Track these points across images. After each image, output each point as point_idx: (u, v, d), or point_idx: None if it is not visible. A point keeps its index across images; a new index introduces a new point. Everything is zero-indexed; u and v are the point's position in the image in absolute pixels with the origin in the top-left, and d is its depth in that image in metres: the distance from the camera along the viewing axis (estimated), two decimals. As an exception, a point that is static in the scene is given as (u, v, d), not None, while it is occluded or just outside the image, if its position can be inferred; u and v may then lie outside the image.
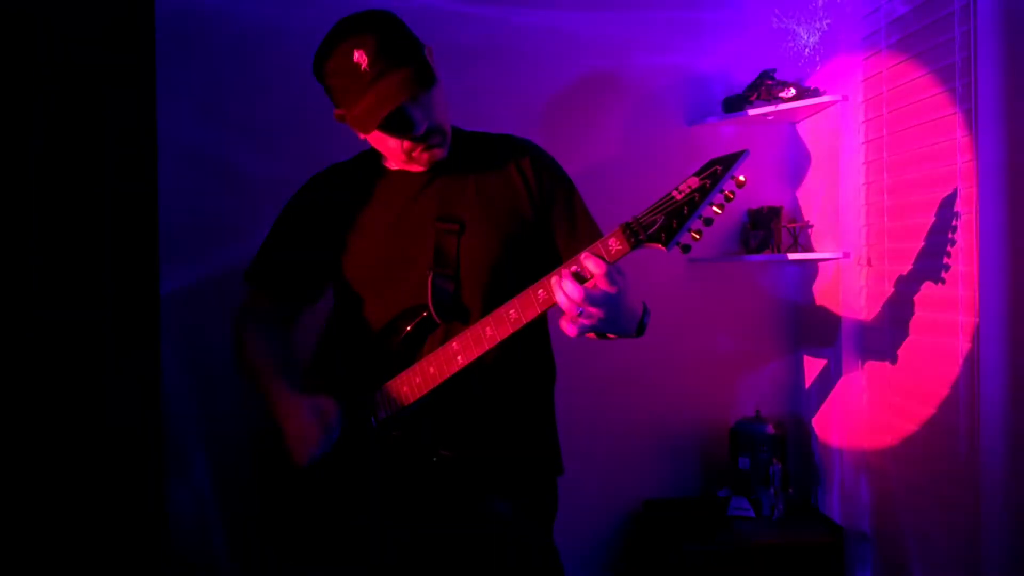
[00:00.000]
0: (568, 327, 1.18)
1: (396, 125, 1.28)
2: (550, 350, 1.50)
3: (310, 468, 1.35)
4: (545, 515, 1.46)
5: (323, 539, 1.38)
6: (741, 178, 1.10)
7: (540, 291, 1.20)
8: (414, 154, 1.33)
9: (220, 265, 2.11)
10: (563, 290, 1.14)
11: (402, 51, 1.26)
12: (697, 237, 1.11)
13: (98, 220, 1.14)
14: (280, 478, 1.42)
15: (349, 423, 1.34)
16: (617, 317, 1.20)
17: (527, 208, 1.39)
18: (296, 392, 1.37)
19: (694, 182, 1.11)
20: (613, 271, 1.14)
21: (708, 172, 1.11)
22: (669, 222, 1.11)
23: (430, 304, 1.32)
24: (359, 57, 1.23)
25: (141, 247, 1.17)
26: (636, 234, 1.13)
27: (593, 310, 1.15)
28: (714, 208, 1.10)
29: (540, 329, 1.47)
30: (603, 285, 1.14)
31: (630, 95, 2.30)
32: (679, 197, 1.11)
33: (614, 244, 1.15)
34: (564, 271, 1.16)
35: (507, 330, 1.23)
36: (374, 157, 1.45)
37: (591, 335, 1.37)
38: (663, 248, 1.12)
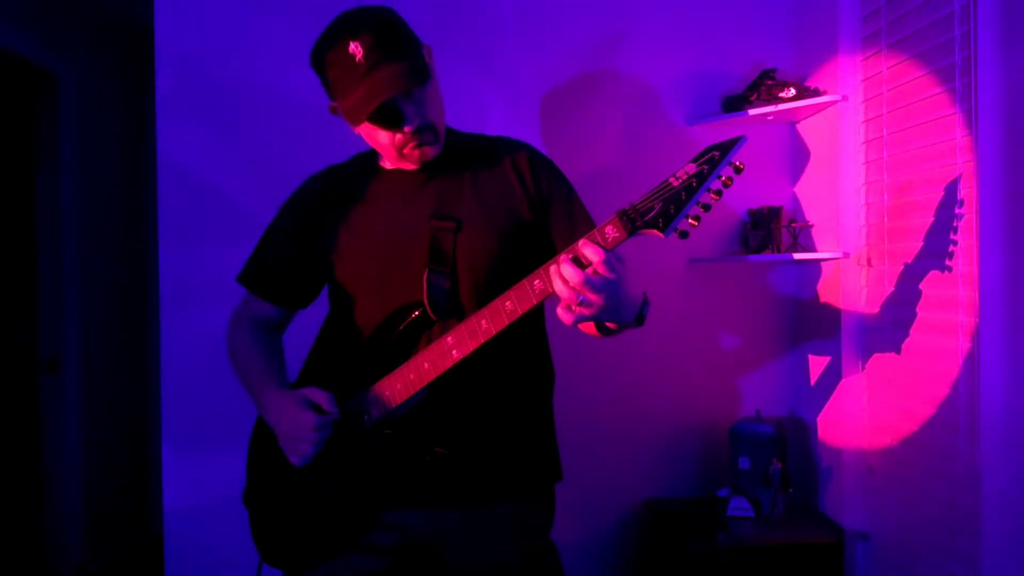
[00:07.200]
0: (564, 314, 1.15)
1: (387, 118, 1.27)
2: (548, 354, 1.48)
3: (305, 469, 1.34)
4: (542, 520, 1.44)
5: (317, 540, 1.37)
6: (739, 163, 1.09)
7: (536, 281, 1.17)
8: (405, 150, 1.32)
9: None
10: (562, 276, 1.12)
11: (397, 46, 1.25)
12: (695, 223, 1.10)
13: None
14: (275, 481, 1.41)
15: (342, 421, 1.33)
16: (617, 306, 1.17)
17: (524, 208, 1.37)
18: (285, 390, 1.36)
19: (691, 168, 1.10)
20: (612, 258, 1.12)
21: (706, 158, 1.10)
22: (667, 208, 1.09)
23: (425, 301, 1.30)
24: (354, 49, 1.22)
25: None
26: (633, 220, 1.11)
27: (592, 296, 1.12)
28: (712, 194, 1.09)
29: (537, 332, 1.45)
30: (602, 271, 1.12)
31: (629, 95, 2.30)
32: (676, 183, 1.10)
33: (611, 231, 1.12)
34: (563, 258, 1.14)
35: (503, 322, 1.20)
36: (370, 157, 1.44)
37: (591, 329, 1.35)
38: (660, 235, 1.10)
